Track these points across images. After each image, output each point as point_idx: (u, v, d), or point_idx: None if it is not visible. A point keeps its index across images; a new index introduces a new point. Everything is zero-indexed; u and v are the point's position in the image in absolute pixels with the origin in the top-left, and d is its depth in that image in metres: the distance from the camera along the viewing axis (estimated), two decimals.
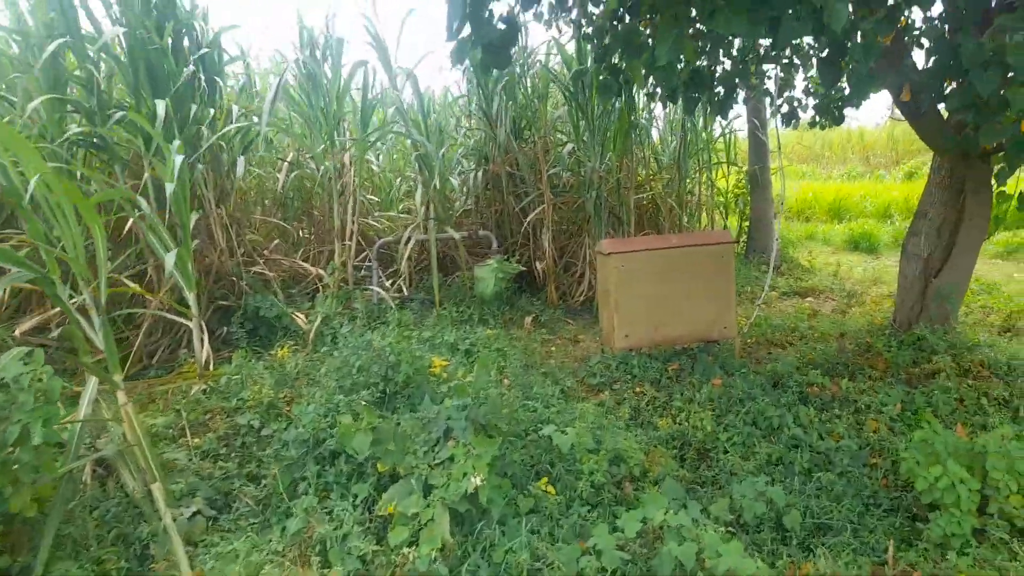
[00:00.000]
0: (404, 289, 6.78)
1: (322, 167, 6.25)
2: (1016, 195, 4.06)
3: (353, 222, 6.26)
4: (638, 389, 4.55)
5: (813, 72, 5.85)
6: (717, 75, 4.81)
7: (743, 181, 9.15)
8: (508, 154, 6.96)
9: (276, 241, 6.68)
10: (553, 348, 5.62)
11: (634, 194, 7.04)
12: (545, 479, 3.11)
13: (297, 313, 5.54)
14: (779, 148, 5.37)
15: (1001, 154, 4.10)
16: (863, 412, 4.09)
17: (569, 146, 6.73)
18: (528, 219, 6.74)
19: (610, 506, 3.08)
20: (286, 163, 6.28)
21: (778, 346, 5.45)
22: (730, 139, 9.18)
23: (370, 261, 6.50)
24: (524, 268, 6.64)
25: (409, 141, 6.35)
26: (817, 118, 6.07)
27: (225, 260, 5.49)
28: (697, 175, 8.84)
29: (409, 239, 6.34)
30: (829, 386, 4.41)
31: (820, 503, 3.16)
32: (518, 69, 7.02)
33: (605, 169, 6.67)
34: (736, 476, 3.43)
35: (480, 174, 7.05)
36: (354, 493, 2.96)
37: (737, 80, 4.57)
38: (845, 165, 21.25)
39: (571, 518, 2.93)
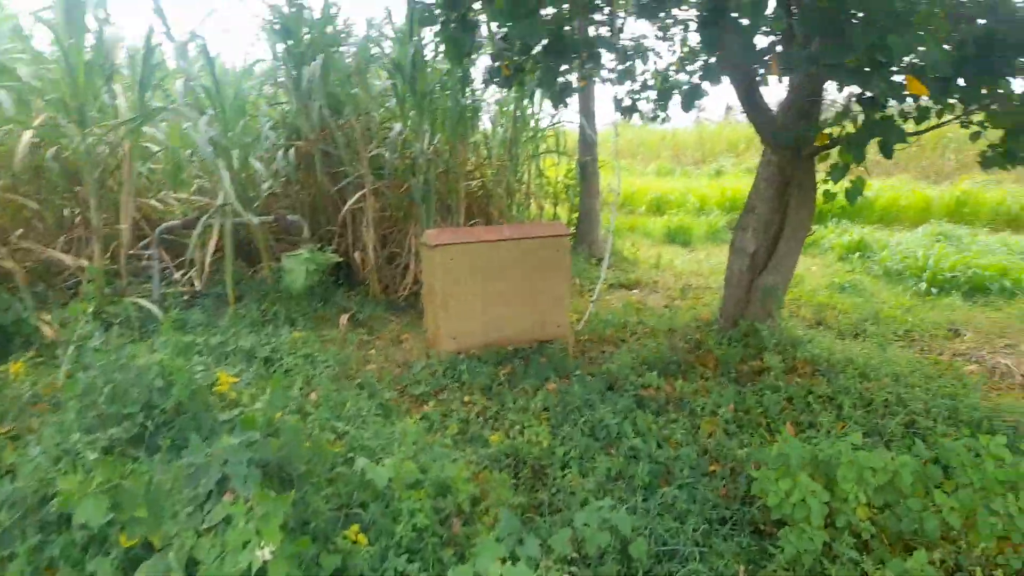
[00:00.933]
0: (196, 283, 5.78)
1: (88, 139, 5.07)
2: (844, 191, 4.10)
3: (129, 203, 5.17)
4: (467, 398, 4.09)
5: (652, 63, 5.66)
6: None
7: (573, 172, 9.04)
8: (323, 130, 6.17)
9: (23, 227, 5.38)
10: (373, 351, 5.00)
11: (464, 181, 6.56)
12: (356, 526, 2.52)
13: (45, 316, 4.41)
14: (616, 136, 5.16)
15: (838, 149, 4.11)
16: (698, 415, 3.94)
17: (397, 126, 6.08)
18: (347, 204, 6.02)
19: (435, 552, 2.57)
20: (27, 131, 5.00)
21: (611, 344, 5.25)
22: (559, 128, 9.01)
23: (152, 250, 5.42)
24: (341, 259, 5.92)
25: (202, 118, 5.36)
26: (658, 112, 5.94)
27: None
28: (527, 164, 8.58)
29: (203, 223, 5.37)
30: (664, 387, 4.23)
31: (664, 524, 2.88)
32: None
33: (434, 152, 6.12)
34: (575, 496, 3.07)
35: (292, 152, 6.19)
36: (91, 572, 2.18)
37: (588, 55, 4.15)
38: (656, 162, 22.46)
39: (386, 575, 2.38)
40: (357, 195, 5.83)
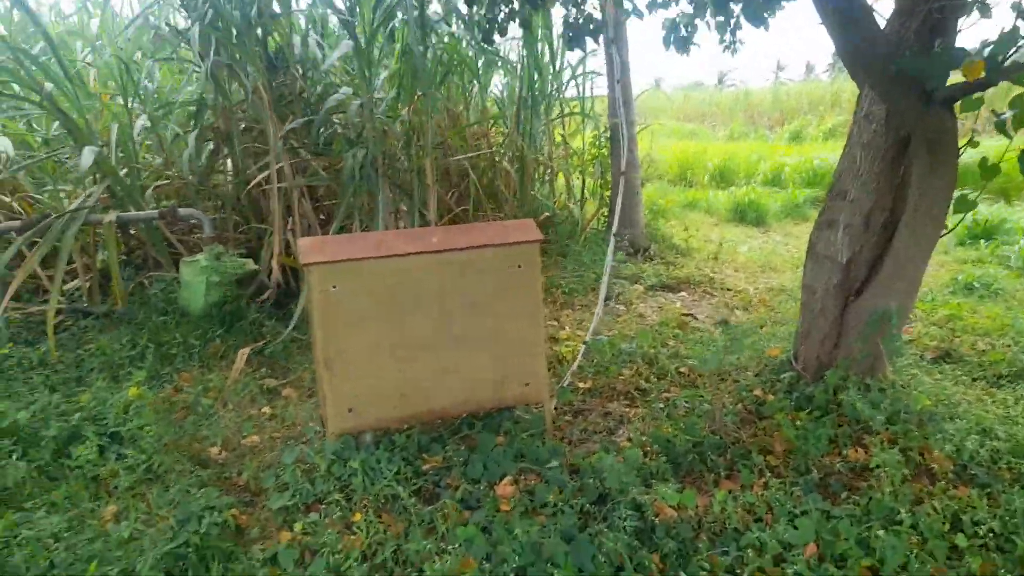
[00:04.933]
0: (84, 299, 4.35)
1: None
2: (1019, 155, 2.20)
3: None
4: (355, 517, 2.44)
5: None
6: None
7: (602, 139, 7.15)
8: (245, 102, 4.54)
9: None
10: (268, 410, 3.39)
11: (437, 154, 4.85)
12: None
13: None
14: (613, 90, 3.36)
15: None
16: (748, 562, 2.18)
17: (344, 90, 4.41)
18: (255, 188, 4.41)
19: None
20: None
21: (621, 398, 3.48)
22: (583, 83, 7.13)
23: None
24: (258, 267, 4.34)
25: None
26: (727, 38, 4.02)
27: None
28: (545, 130, 6.78)
29: (40, 227, 3.88)
30: (694, 502, 2.46)
31: None
32: None
33: (384, 113, 4.43)
34: None
35: (197, 137, 4.62)
36: None
37: None
38: (729, 125, 19.99)
39: None
40: (260, 176, 4.19)
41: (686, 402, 3.27)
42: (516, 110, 6.19)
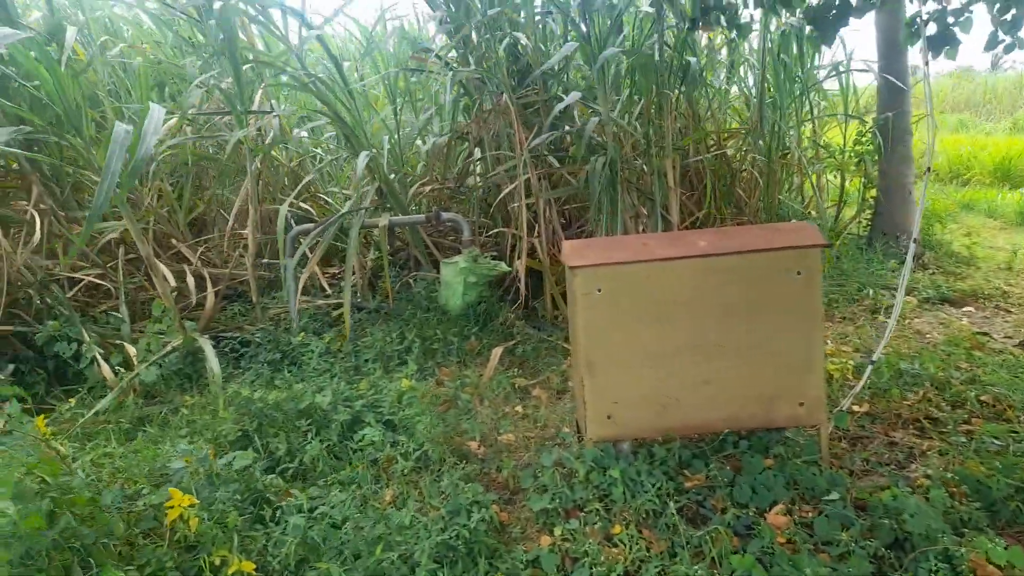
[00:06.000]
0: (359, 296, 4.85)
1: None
2: None
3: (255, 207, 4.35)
4: (616, 530, 2.37)
5: None
6: None
7: (868, 135, 6.39)
8: (498, 107, 4.74)
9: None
10: (520, 408, 3.48)
11: (679, 157, 4.66)
12: None
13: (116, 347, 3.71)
14: (927, 75, 2.94)
15: None
16: None
17: (575, 93, 4.42)
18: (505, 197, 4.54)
19: None
20: None
21: (909, 426, 3.03)
22: (846, 79, 6.47)
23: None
24: (510, 268, 4.49)
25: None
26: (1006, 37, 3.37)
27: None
28: (795, 127, 6.25)
29: (327, 225, 4.36)
30: (1022, 566, 2.03)
31: None
32: None
33: (623, 120, 4.35)
34: None
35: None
36: None
37: None
38: (1014, 115, 17.01)
39: None
40: (511, 186, 4.30)
41: (996, 438, 2.75)
42: (759, 107, 5.77)
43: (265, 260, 4.83)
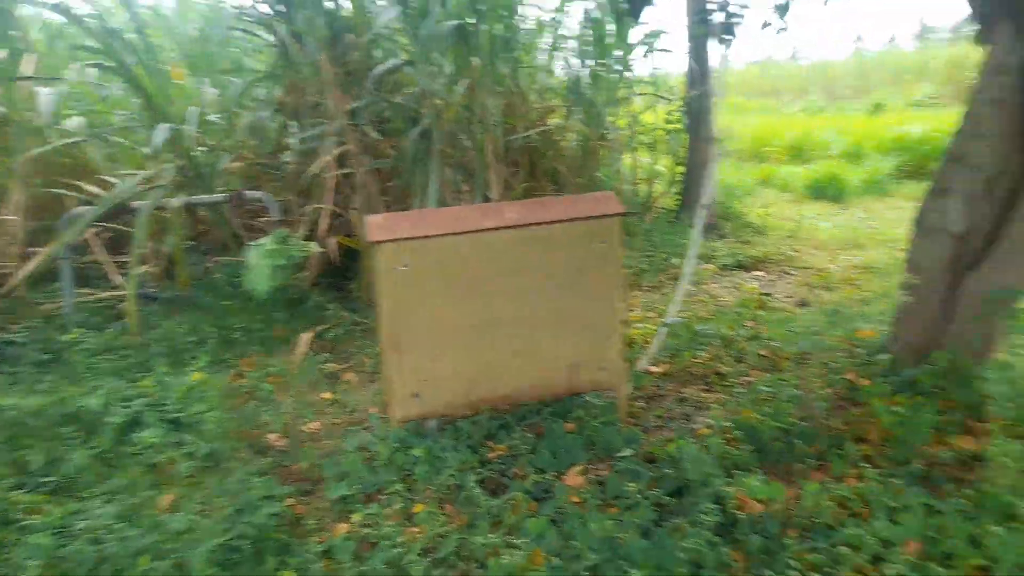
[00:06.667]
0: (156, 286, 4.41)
1: None
2: None
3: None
4: (416, 509, 2.32)
5: None
6: None
7: (677, 115, 6.81)
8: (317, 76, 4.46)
9: None
10: (328, 395, 3.33)
11: (500, 132, 4.68)
12: None
13: None
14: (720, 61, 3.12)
15: None
16: (843, 561, 1.95)
17: (391, 62, 4.28)
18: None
19: None
20: None
21: (699, 382, 3.25)
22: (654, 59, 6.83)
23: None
24: (323, 249, 4.28)
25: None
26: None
27: None
28: (609, 107, 6.51)
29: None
30: (779, 499, 2.23)
31: None
32: None
33: (445, 90, 4.29)
34: None
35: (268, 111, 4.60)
36: None
37: None
38: (805, 99, 19.05)
39: None
40: (323, 160, 4.09)
41: (769, 387, 3.02)
42: (576, 86, 5.95)
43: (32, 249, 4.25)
